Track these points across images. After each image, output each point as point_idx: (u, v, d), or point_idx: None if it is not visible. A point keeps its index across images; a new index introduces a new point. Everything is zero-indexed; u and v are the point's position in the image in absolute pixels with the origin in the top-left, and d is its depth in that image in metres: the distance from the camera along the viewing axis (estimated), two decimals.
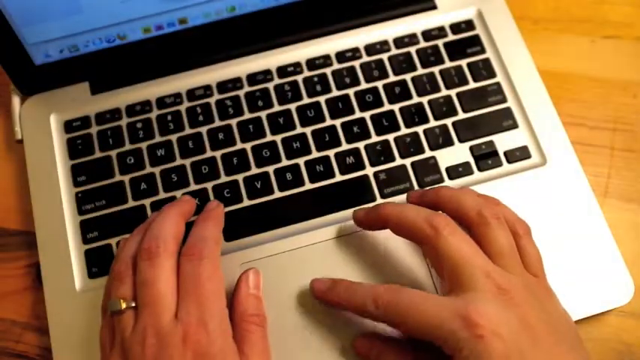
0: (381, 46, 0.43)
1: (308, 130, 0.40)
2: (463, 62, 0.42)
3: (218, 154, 0.40)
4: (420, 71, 0.42)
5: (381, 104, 0.41)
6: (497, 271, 0.30)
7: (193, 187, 0.39)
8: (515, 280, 0.30)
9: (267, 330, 0.33)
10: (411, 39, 0.43)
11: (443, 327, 0.29)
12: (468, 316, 0.29)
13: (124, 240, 0.34)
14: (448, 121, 0.41)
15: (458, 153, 0.40)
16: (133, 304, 0.31)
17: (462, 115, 0.41)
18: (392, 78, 0.42)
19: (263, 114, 0.41)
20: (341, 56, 0.43)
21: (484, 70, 0.42)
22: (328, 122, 0.41)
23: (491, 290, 0.30)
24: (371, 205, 0.35)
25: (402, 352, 0.33)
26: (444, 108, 0.41)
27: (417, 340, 0.30)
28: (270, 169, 0.39)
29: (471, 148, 0.40)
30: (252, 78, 0.42)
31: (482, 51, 0.43)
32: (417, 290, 0.30)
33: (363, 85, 0.42)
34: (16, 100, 0.42)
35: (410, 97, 0.41)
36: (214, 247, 0.32)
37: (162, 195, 0.39)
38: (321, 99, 0.41)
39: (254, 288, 0.34)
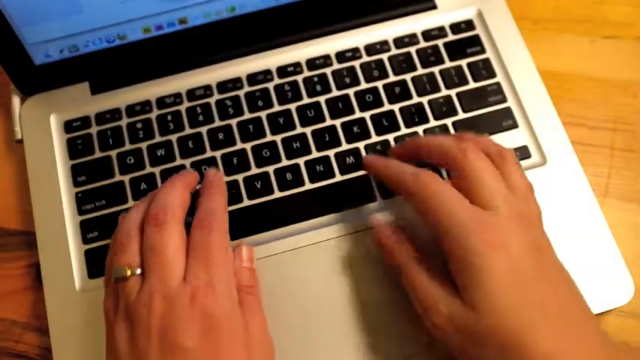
0: (381, 46, 0.43)
1: (308, 130, 0.40)
2: (463, 62, 0.42)
3: (218, 154, 0.40)
4: (420, 71, 0.42)
5: (381, 104, 0.41)
6: (515, 200, 0.32)
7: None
8: (530, 210, 0.33)
9: (261, 301, 0.33)
10: (411, 39, 0.43)
11: (459, 224, 0.30)
12: (484, 223, 0.30)
13: (124, 214, 0.34)
14: (448, 121, 0.41)
15: None
16: (138, 271, 0.31)
17: (462, 115, 0.41)
18: (392, 78, 0.42)
19: (263, 114, 0.41)
20: (341, 56, 0.43)
21: (484, 70, 0.42)
22: (328, 122, 0.41)
23: (510, 213, 0.31)
24: (370, 204, 0.35)
25: (412, 246, 0.34)
26: (444, 108, 0.41)
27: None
28: (270, 169, 0.39)
29: None
30: (252, 78, 0.42)
31: (482, 51, 0.43)
32: (451, 188, 0.32)
33: (363, 85, 0.42)
34: (16, 100, 0.42)
35: (410, 97, 0.41)
36: (223, 219, 0.33)
37: None
38: (321, 99, 0.41)
39: (247, 261, 0.35)
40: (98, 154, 0.40)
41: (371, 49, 0.43)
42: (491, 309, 0.29)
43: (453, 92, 0.41)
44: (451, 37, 0.43)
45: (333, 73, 0.42)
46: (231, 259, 0.33)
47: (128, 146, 0.40)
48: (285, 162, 0.39)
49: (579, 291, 0.31)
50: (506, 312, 0.29)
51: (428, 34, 0.43)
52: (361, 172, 0.39)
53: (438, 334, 0.31)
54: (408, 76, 0.42)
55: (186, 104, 0.41)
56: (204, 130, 0.40)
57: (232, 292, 0.31)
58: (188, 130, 0.41)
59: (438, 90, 0.42)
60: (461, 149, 0.33)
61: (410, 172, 0.33)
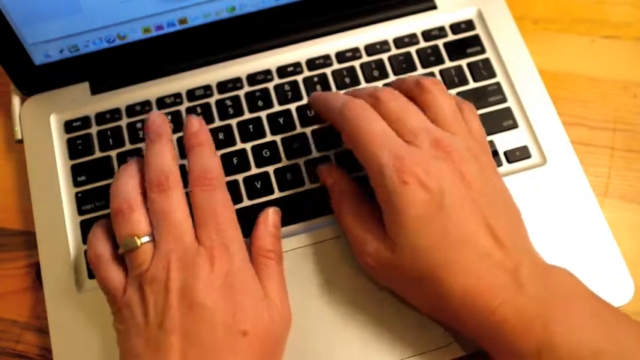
0: (381, 46, 0.43)
1: (308, 130, 0.40)
2: (463, 62, 0.42)
3: (218, 153, 0.40)
4: (420, 71, 0.42)
5: None
6: (439, 131, 0.32)
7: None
8: (457, 140, 0.32)
9: (283, 267, 0.34)
10: (411, 39, 0.43)
11: (378, 157, 0.30)
12: (402, 159, 0.30)
13: (114, 184, 0.33)
14: None
15: None
16: (148, 239, 0.31)
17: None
18: (392, 78, 0.42)
19: (263, 114, 0.41)
20: (341, 56, 0.43)
21: (484, 70, 0.42)
22: (329, 122, 0.41)
23: (431, 144, 0.31)
24: None
25: (350, 184, 0.35)
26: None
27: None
28: (270, 169, 0.39)
29: None
30: (252, 78, 0.42)
31: (482, 51, 0.43)
32: (376, 121, 0.32)
33: (364, 85, 0.42)
34: (16, 100, 0.42)
35: None
36: (221, 175, 0.34)
37: None
38: None
39: (272, 226, 0.35)
40: (98, 154, 0.40)
41: (371, 49, 0.43)
42: (409, 245, 0.30)
43: (453, 92, 0.41)
44: (451, 37, 0.43)
45: (333, 73, 0.42)
46: (235, 213, 0.33)
47: (128, 146, 0.40)
48: (285, 162, 0.39)
49: (519, 224, 0.31)
50: (423, 248, 0.29)
51: (428, 34, 0.43)
52: (362, 173, 0.39)
53: (369, 271, 0.33)
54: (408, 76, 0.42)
55: (186, 104, 0.41)
56: None
57: (244, 250, 0.32)
58: None
59: None
60: (373, 96, 0.33)
61: (339, 104, 0.33)
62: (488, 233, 0.30)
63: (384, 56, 0.43)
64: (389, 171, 0.30)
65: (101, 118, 0.41)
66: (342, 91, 0.38)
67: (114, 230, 0.33)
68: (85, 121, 0.41)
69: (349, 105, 0.33)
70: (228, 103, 0.41)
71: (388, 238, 0.31)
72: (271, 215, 0.35)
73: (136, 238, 0.31)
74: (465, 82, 0.42)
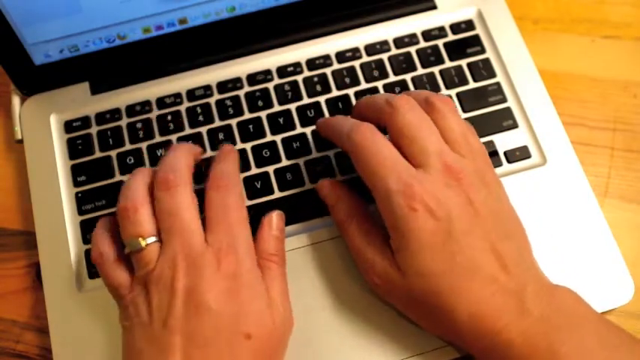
0: (381, 46, 0.43)
1: (308, 130, 0.40)
2: (463, 62, 0.42)
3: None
4: (420, 71, 0.42)
5: None
6: (450, 154, 0.31)
7: (193, 186, 0.39)
8: (467, 165, 0.31)
9: (286, 270, 0.34)
10: (411, 39, 0.43)
11: (386, 183, 0.30)
12: (411, 186, 0.30)
13: (125, 184, 0.33)
14: None
15: None
16: (153, 239, 0.31)
17: (462, 115, 0.41)
18: (392, 78, 0.42)
19: (263, 114, 0.41)
20: (341, 56, 0.43)
21: (484, 70, 0.42)
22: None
23: (441, 169, 0.30)
24: (372, 205, 0.35)
25: (355, 203, 0.35)
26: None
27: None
28: (270, 169, 0.39)
29: None
30: (252, 78, 0.42)
31: (482, 51, 0.43)
32: (385, 145, 0.31)
33: (363, 85, 0.42)
34: (16, 100, 0.42)
35: None
36: (237, 180, 0.34)
37: None
38: (322, 99, 0.41)
39: (276, 229, 0.35)
40: (98, 154, 0.40)
41: (371, 49, 0.43)
42: (417, 271, 0.30)
43: (453, 92, 0.41)
44: (451, 37, 0.43)
45: (333, 73, 0.42)
46: (248, 220, 0.33)
47: (128, 146, 0.40)
48: (285, 162, 0.39)
49: (525, 245, 0.31)
50: (430, 274, 0.29)
51: (428, 34, 0.43)
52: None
53: (379, 292, 0.33)
54: (408, 76, 0.42)
55: (186, 104, 0.41)
56: (204, 130, 0.40)
57: (252, 253, 0.32)
58: (188, 130, 0.41)
59: (438, 90, 0.42)
60: (390, 105, 0.32)
61: (347, 128, 0.33)
62: (494, 260, 0.30)
63: (384, 56, 0.43)
64: (397, 198, 0.30)
65: (101, 118, 0.41)
66: (363, 90, 0.37)
67: (120, 230, 0.32)
68: (85, 121, 0.41)
69: (357, 129, 0.32)
70: (228, 103, 0.41)
71: (396, 263, 0.31)
72: (275, 219, 0.35)
73: (140, 239, 0.31)
74: (465, 82, 0.42)
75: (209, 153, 0.40)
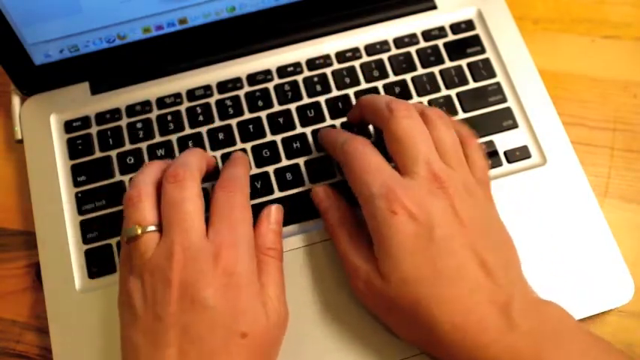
0: (381, 46, 0.43)
1: (308, 130, 0.40)
2: (463, 62, 0.42)
3: (218, 154, 0.40)
4: (420, 71, 0.42)
5: None
6: (438, 163, 0.32)
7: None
8: (454, 175, 0.32)
9: (282, 264, 0.34)
10: (411, 39, 0.43)
11: (370, 187, 0.31)
12: (393, 190, 0.30)
13: (136, 175, 0.33)
14: None
15: None
16: (152, 228, 0.31)
17: (462, 115, 0.41)
18: (392, 78, 0.42)
19: (263, 114, 0.41)
20: (341, 56, 0.43)
21: (484, 70, 0.42)
22: (328, 122, 0.41)
23: (426, 177, 0.31)
24: None
25: (347, 210, 0.35)
26: (444, 108, 0.41)
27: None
28: (270, 169, 0.39)
29: None
30: (252, 78, 0.42)
31: (482, 51, 0.43)
32: (373, 154, 0.32)
33: (363, 85, 0.42)
34: (16, 100, 0.42)
35: (410, 97, 0.41)
36: (246, 183, 0.34)
37: None
38: (321, 99, 0.41)
39: (274, 223, 0.35)
40: (98, 154, 0.40)
41: (371, 49, 0.43)
42: (398, 277, 0.29)
43: (453, 92, 0.41)
44: (451, 37, 0.43)
45: (333, 73, 0.42)
46: (252, 220, 0.33)
47: (128, 146, 0.40)
48: (285, 162, 0.39)
49: (513, 258, 0.31)
50: (412, 280, 0.29)
51: (428, 34, 0.43)
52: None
53: (360, 297, 0.32)
54: (408, 76, 0.42)
55: (186, 104, 0.41)
56: (204, 130, 0.40)
57: (252, 252, 0.32)
58: (188, 130, 0.41)
59: (438, 90, 0.42)
60: (390, 109, 0.33)
61: (341, 140, 0.34)
62: (478, 266, 0.29)
63: (384, 56, 0.43)
64: (379, 201, 0.30)
65: (101, 118, 0.41)
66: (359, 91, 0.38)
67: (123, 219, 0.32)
68: (85, 121, 0.41)
69: (350, 141, 0.33)
70: (228, 103, 0.41)
71: (379, 269, 0.31)
72: (274, 212, 0.35)
73: (137, 226, 0.31)
74: (465, 82, 0.42)
75: (210, 153, 0.40)
